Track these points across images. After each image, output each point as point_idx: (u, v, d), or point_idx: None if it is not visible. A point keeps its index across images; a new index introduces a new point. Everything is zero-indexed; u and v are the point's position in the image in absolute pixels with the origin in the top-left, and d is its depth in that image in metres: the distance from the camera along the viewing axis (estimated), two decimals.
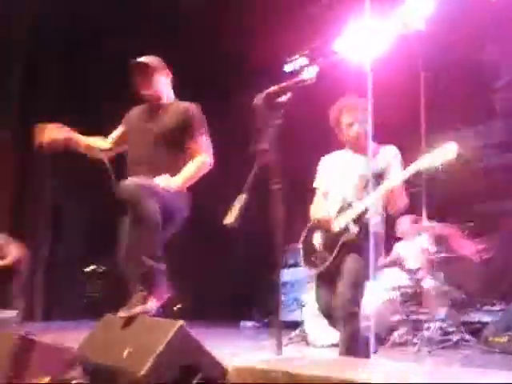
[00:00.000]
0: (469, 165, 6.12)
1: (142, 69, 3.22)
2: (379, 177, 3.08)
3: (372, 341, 4.30)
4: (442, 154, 2.78)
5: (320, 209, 3.22)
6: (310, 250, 3.19)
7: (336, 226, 3.06)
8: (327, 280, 3.10)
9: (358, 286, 3.00)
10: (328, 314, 3.14)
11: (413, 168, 2.88)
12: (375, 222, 3.10)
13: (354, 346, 2.95)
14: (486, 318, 5.45)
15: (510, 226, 5.99)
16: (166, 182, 2.95)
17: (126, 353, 2.39)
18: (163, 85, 3.30)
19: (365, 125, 3.13)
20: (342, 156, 3.31)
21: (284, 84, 2.54)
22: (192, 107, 3.24)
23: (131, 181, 2.87)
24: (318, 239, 3.18)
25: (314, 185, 3.34)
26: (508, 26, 6.17)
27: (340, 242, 3.03)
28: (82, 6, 7.00)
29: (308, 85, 2.65)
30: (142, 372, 2.20)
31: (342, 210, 3.09)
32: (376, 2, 6.11)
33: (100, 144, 3.37)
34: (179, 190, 3.06)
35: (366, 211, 3.02)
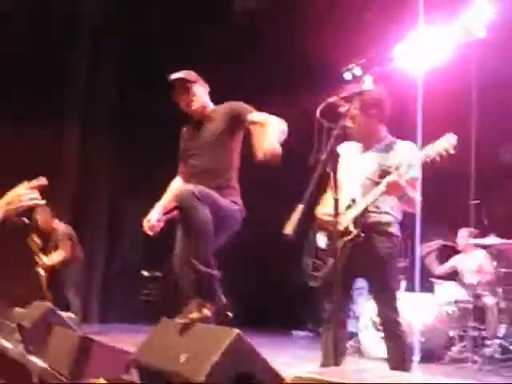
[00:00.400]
0: None
1: (180, 84, 3.24)
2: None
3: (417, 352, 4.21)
4: (442, 143, 2.74)
5: (324, 206, 3.05)
6: (313, 252, 3.05)
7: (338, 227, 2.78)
8: (327, 285, 2.90)
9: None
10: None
11: (411, 161, 2.80)
12: (386, 222, 2.97)
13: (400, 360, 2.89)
14: None
15: None
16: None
17: (183, 358, 2.41)
18: (203, 96, 3.30)
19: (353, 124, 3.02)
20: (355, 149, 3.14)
21: (345, 94, 2.53)
22: (229, 102, 3.24)
23: (186, 188, 2.91)
24: (321, 241, 3.05)
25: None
26: None
27: (341, 245, 2.84)
28: None
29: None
30: (201, 379, 2.21)
31: (347, 209, 2.94)
32: (436, 8, 6.04)
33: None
34: (234, 201, 3.08)
35: (365, 211, 2.89)
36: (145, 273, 8.37)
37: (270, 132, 2.81)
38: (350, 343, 5.75)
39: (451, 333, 5.39)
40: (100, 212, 8.11)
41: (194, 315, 2.73)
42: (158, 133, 6.91)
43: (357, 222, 2.88)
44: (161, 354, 2.66)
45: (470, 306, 5.35)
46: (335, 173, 2.51)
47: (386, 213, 2.99)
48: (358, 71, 2.85)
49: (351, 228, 2.87)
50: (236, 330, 2.36)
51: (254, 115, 3.06)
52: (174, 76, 3.26)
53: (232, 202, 3.08)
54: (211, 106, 3.37)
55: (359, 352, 5.51)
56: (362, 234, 2.86)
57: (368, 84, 2.77)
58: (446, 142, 2.72)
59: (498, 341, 5.02)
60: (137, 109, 7.57)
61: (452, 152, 2.71)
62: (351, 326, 6.23)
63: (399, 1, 6.24)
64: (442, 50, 6.52)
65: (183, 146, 3.38)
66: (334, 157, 2.44)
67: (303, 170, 2.50)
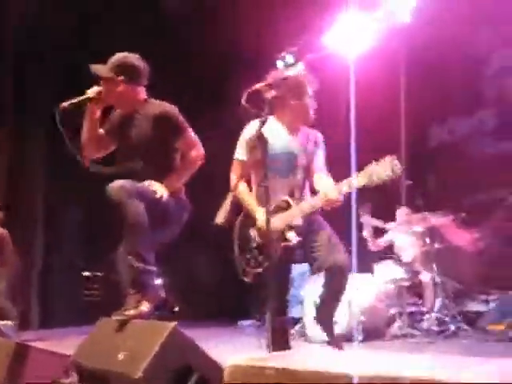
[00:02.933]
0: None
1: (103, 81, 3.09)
2: (307, 163, 2.99)
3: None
4: (383, 170, 2.58)
5: (252, 199, 2.95)
6: (244, 247, 2.97)
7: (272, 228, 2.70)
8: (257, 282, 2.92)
9: None
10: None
11: (352, 184, 2.70)
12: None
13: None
14: (483, 307, 5.48)
15: (503, 215, 6.00)
16: (155, 187, 2.92)
17: (120, 356, 2.38)
18: (128, 93, 3.09)
19: None
20: (274, 129, 3.00)
21: (269, 81, 2.53)
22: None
23: (115, 182, 2.85)
24: (253, 236, 2.96)
25: (239, 157, 2.99)
26: (499, 11, 6.18)
27: (278, 248, 2.81)
28: None
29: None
30: (138, 375, 2.19)
31: (278, 209, 2.86)
32: None
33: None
34: (174, 193, 3.04)
35: (302, 217, 2.87)
36: (86, 273, 8.18)
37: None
38: (295, 328, 5.83)
39: (391, 310, 5.55)
40: (35, 211, 7.85)
41: (130, 312, 2.69)
42: None
43: (292, 227, 2.83)
44: (99, 354, 2.62)
45: (407, 283, 5.53)
46: (265, 158, 2.52)
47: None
48: (290, 59, 2.87)
49: (288, 234, 2.82)
50: (172, 324, 2.35)
51: None
52: (93, 71, 3.16)
53: (173, 196, 3.03)
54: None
55: (305, 336, 5.59)
56: (299, 239, 2.83)
57: (294, 71, 2.80)
58: (389, 170, 2.57)
59: (434, 314, 5.21)
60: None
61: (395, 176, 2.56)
62: (296, 312, 6.32)
63: None
64: (371, 34, 6.66)
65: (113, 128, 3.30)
66: (263, 142, 2.45)
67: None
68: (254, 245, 2.93)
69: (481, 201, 6.50)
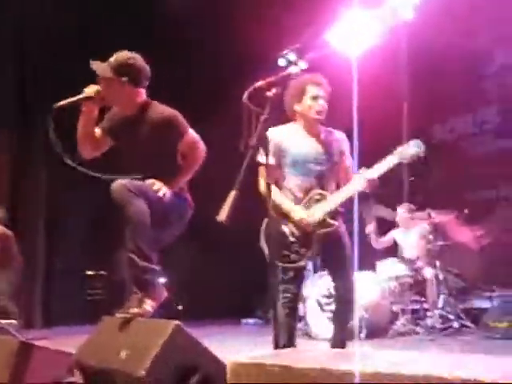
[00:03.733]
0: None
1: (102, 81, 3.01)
2: (334, 164, 3.13)
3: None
4: (409, 150, 2.93)
5: (283, 197, 3.09)
6: (279, 243, 3.02)
7: (311, 220, 3.00)
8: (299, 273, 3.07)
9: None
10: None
11: (382, 167, 2.96)
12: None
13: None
14: (486, 304, 5.48)
15: (505, 212, 6.00)
16: (157, 186, 2.91)
17: (123, 355, 2.38)
18: (129, 95, 3.03)
19: (326, 105, 3.11)
20: (297, 133, 3.16)
21: (271, 79, 2.53)
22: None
23: (118, 182, 2.84)
24: (289, 231, 3.05)
25: (262, 160, 2.83)
26: (501, 10, 6.16)
27: (317, 236, 3.00)
28: None
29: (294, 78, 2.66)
30: (141, 373, 2.19)
31: (311, 201, 3.04)
32: None
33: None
34: (177, 191, 3.03)
35: (339, 205, 3.05)
36: (89, 272, 8.18)
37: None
38: (298, 326, 5.83)
39: (394, 308, 5.55)
40: (38, 210, 7.86)
41: (134, 310, 2.69)
42: None
43: (333, 214, 3.02)
44: (102, 353, 2.62)
45: (411, 281, 5.53)
46: (267, 157, 2.52)
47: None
48: (292, 57, 2.87)
49: (329, 220, 3.00)
50: (175, 322, 2.35)
51: None
52: (93, 68, 3.13)
53: (176, 194, 3.02)
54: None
55: (308, 334, 5.59)
56: (337, 223, 3.03)
57: (296, 68, 2.80)
58: (416, 147, 2.93)
59: (437, 311, 5.20)
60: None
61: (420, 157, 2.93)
62: (299, 310, 6.31)
63: None
64: (373, 32, 6.65)
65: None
66: (264, 141, 2.45)
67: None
68: (293, 239, 3.03)
69: (483, 198, 6.50)
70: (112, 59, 3.01)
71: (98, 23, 7.30)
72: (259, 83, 2.52)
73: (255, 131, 2.42)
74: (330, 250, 3.05)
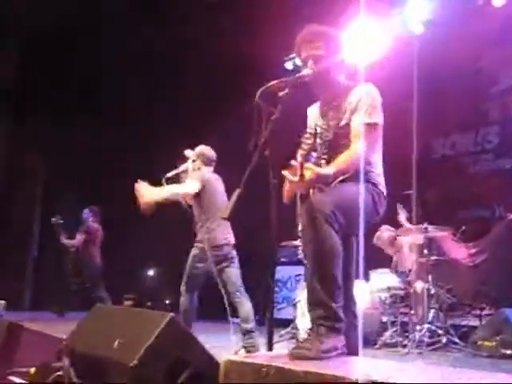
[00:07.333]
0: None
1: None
2: (347, 125, 2.67)
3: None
4: None
5: None
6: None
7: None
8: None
9: None
10: None
11: None
12: None
13: None
14: (475, 322, 5.48)
15: (500, 232, 6.01)
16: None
17: (116, 344, 2.37)
18: None
19: (328, 60, 2.65)
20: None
21: (283, 79, 2.53)
22: None
23: None
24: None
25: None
26: (508, 31, 6.20)
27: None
28: None
29: (306, 81, 2.65)
30: (133, 363, 2.18)
31: None
32: (375, 2, 6.17)
33: None
34: None
35: None
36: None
37: None
38: (287, 330, 5.84)
39: (384, 318, 5.55)
40: (33, 195, 7.85)
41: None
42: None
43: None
44: (93, 340, 2.61)
45: (402, 293, 5.53)
46: (275, 156, 2.51)
47: None
48: (299, 61, 2.87)
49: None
50: (171, 314, 2.34)
51: None
52: None
53: None
54: None
55: (297, 338, 5.59)
56: None
57: (308, 70, 2.78)
58: None
59: (426, 325, 5.21)
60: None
61: None
62: (288, 313, 6.32)
63: None
64: (382, 42, 6.67)
65: None
66: (273, 140, 2.44)
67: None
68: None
69: (480, 216, 6.52)
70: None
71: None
72: (272, 83, 2.52)
73: (265, 130, 2.41)
74: None
